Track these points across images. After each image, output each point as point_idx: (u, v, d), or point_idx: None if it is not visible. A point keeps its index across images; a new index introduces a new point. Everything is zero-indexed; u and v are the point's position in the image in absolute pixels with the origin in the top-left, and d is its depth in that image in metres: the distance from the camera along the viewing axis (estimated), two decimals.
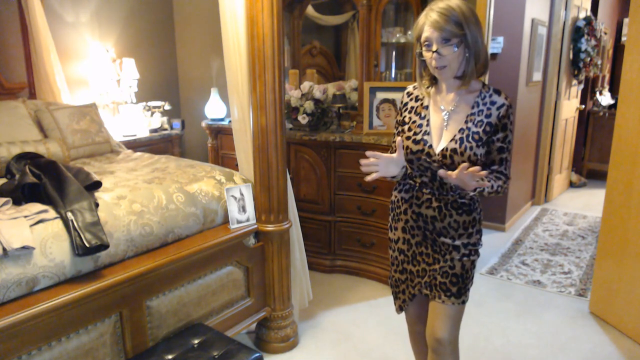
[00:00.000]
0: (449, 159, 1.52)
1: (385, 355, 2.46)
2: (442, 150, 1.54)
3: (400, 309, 1.82)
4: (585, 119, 6.04)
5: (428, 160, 1.55)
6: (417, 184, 1.64)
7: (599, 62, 5.39)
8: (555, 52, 4.74)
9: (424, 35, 1.49)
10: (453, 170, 1.52)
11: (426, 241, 1.66)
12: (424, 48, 1.51)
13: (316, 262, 3.41)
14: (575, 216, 4.71)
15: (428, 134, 1.57)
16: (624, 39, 6.13)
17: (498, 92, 1.56)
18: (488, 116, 1.53)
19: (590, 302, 2.90)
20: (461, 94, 1.57)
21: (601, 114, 5.92)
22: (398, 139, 1.59)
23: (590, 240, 4.03)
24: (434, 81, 1.62)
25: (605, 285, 2.76)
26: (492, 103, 1.54)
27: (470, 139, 1.52)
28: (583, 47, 4.91)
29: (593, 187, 5.76)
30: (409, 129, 1.62)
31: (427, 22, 1.48)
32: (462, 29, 1.46)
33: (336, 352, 2.49)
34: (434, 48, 1.47)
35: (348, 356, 2.46)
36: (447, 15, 1.45)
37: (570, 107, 5.28)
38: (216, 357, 1.82)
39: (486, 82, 2.09)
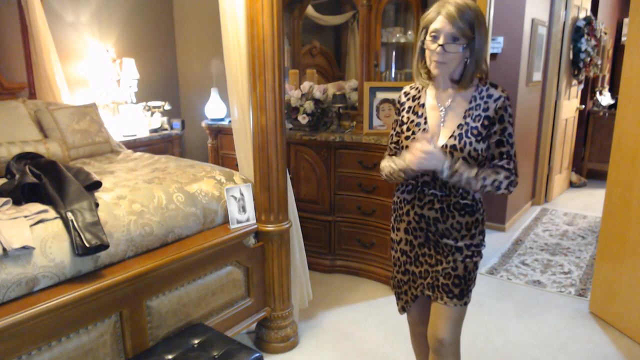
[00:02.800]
0: (449, 156, 1.51)
1: (385, 355, 2.46)
2: (442, 147, 1.53)
3: (402, 309, 1.82)
4: (585, 119, 6.04)
5: None
6: (419, 184, 1.63)
7: (599, 62, 5.39)
8: (555, 52, 4.74)
9: (435, 25, 1.47)
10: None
11: (429, 242, 1.65)
12: (430, 38, 1.49)
13: (316, 262, 3.41)
14: (575, 216, 4.71)
15: (426, 131, 1.57)
16: (624, 39, 6.13)
17: (495, 85, 1.56)
18: (486, 110, 1.53)
19: (590, 302, 2.90)
20: (457, 90, 1.56)
21: (601, 114, 5.92)
22: (418, 134, 1.55)
23: (590, 240, 4.02)
24: (430, 76, 1.60)
25: (605, 285, 2.75)
26: (489, 96, 1.54)
27: (469, 134, 1.51)
28: (583, 47, 4.91)
29: (593, 187, 5.76)
30: (408, 129, 1.62)
31: (442, 13, 1.45)
32: (473, 32, 1.45)
33: (336, 352, 2.49)
34: (441, 41, 1.45)
35: (348, 356, 2.46)
36: (463, 12, 1.44)
37: (570, 107, 5.28)
38: (216, 357, 1.82)
39: None
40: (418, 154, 1.45)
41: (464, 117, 1.53)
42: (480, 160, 1.53)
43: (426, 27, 1.51)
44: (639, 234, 2.51)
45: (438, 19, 1.46)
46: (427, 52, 1.51)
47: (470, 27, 1.45)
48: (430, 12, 1.50)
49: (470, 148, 1.51)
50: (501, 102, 1.53)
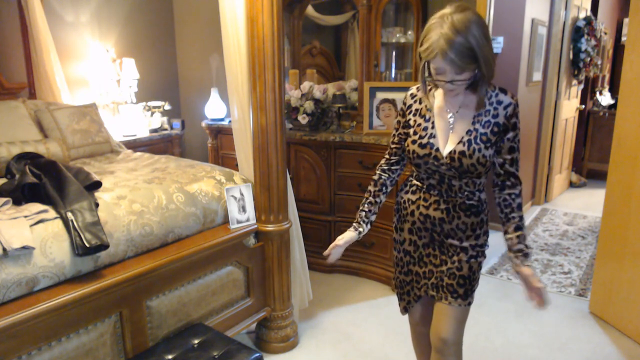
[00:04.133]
0: (457, 162, 1.50)
1: (385, 356, 2.46)
2: (450, 153, 1.51)
3: (405, 310, 1.81)
4: (585, 119, 6.04)
5: (436, 163, 1.53)
6: (425, 186, 1.62)
7: (599, 62, 5.39)
8: (555, 52, 4.74)
9: (435, 64, 1.40)
10: (461, 173, 1.51)
11: (433, 243, 1.65)
12: (434, 71, 1.42)
13: (316, 262, 3.41)
14: (575, 216, 4.71)
15: (434, 136, 1.54)
16: (624, 39, 6.12)
17: (504, 91, 1.54)
18: (495, 116, 1.51)
19: (590, 302, 2.90)
20: (466, 94, 1.53)
21: (601, 114, 5.92)
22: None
23: (590, 240, 4.03)
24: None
25: (605, 285, 2.75)
26: (499, 102, 1.51)
27: (478, 140, 1.49)
28: (583, 47, 4.91)
29: (593, 187, 5.76)
30: (414, 133, 1.59)
31: (439, 53, 1.35)
32: (476, 59, 1.38)
33: (336, 352, 2.49)
34: (447, 78, 1.40)
35: (348, 356, 2.46)
36: (456, 45, 1.33)
37: (570, 107, 5.28)
38: (216, 357, 1.82)
39: None
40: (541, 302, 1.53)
41: (473, 123, 1.51)
42: (487, 167, 1.51)
43: (427, 56, 1.41)
44: (639, 234, 2.51)
45: (436, 60, 1.37)
46: (436, 82, 1.47)
47: (470, 55, 1.36)
48: (427, 45, 1.38)
49: (479, 155, 1.48)
50: (511, 109, 1.51)
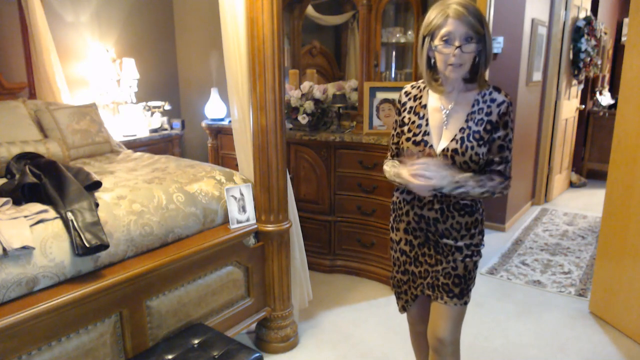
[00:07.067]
0: (450, 159, 1.50)
1: (385, 356, 2.46)
2: (443, 150, 1.52)
3: (403, 309, 1.82)
4: (585, 119, 6.05)
5: None
6: None
7: (599, 62, 5.39)
8: (555, 52, 4.74)
9: (446, 29, 1.43)
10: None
11: (428, 242, 1.65)
12: (441, 43, 1.45)
13: (316, 262, 3.41)
14: (575, 216, 4.71)
15: (428, 134, 1.56)
16: (624, 39, 6.13)
17: (498, 89, 1.55)
18: (489, 114, 1.52)
19: (590, 302, 2.90)
20: (460, 92, 1.55)
21: (601, 114, 5.92)
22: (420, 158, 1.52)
23: (590, 240, 4.02)
24: (436, 79, 1.58)
25: (605, 285, 2.76)
26: (492, 100, 1.52)
27: (471, 138, 1.50)
28: (583, 47, 4.91)
29: (593, 187, 5.76)
30: (409, 130, 1.60)
31: (451, 15, 1.42)
32: (483, 28, 1.44)
33: (336, 352, 2.49)
34: (457, 44, 1.42)
35: (348, 356, 2.46)
36: (470, 9, 1.42)
37: (570, 107, 5.28)
38: (216, 357, 1.82)
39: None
40: (421, 179, 1.42)
41: (467, 121, 1.52)
42: (480, 165, 1.52)
43: (431, 34, 1.47)
44: (639, 234, 2.51)
45: (448, 22, 1.42)
46: (439, 58, 1.48)
47: (480, 22, 1.43)
48: (434, 17, 1.45)
49: (472, 152, 1.49)
50: (504, 107, 1.51)
